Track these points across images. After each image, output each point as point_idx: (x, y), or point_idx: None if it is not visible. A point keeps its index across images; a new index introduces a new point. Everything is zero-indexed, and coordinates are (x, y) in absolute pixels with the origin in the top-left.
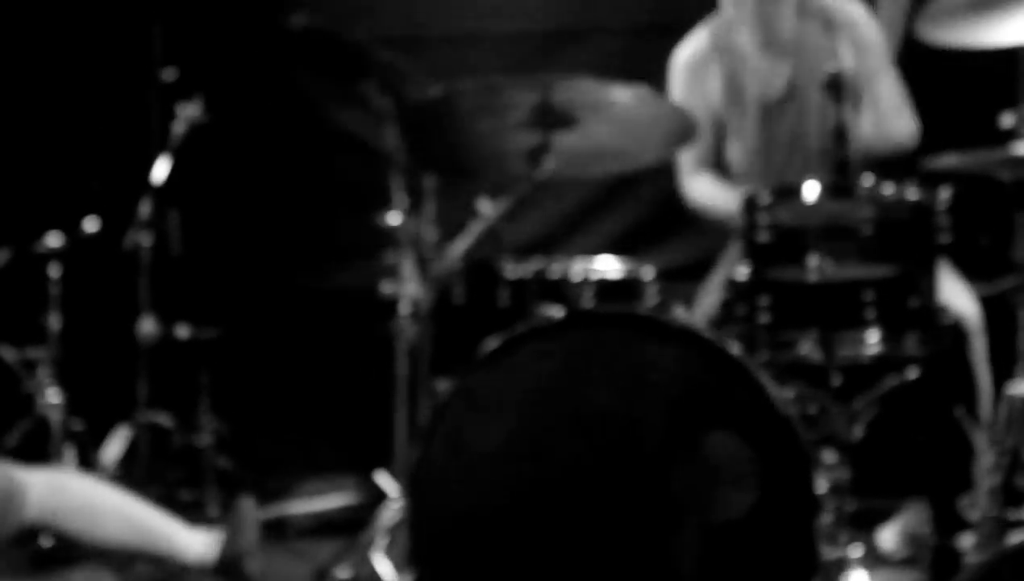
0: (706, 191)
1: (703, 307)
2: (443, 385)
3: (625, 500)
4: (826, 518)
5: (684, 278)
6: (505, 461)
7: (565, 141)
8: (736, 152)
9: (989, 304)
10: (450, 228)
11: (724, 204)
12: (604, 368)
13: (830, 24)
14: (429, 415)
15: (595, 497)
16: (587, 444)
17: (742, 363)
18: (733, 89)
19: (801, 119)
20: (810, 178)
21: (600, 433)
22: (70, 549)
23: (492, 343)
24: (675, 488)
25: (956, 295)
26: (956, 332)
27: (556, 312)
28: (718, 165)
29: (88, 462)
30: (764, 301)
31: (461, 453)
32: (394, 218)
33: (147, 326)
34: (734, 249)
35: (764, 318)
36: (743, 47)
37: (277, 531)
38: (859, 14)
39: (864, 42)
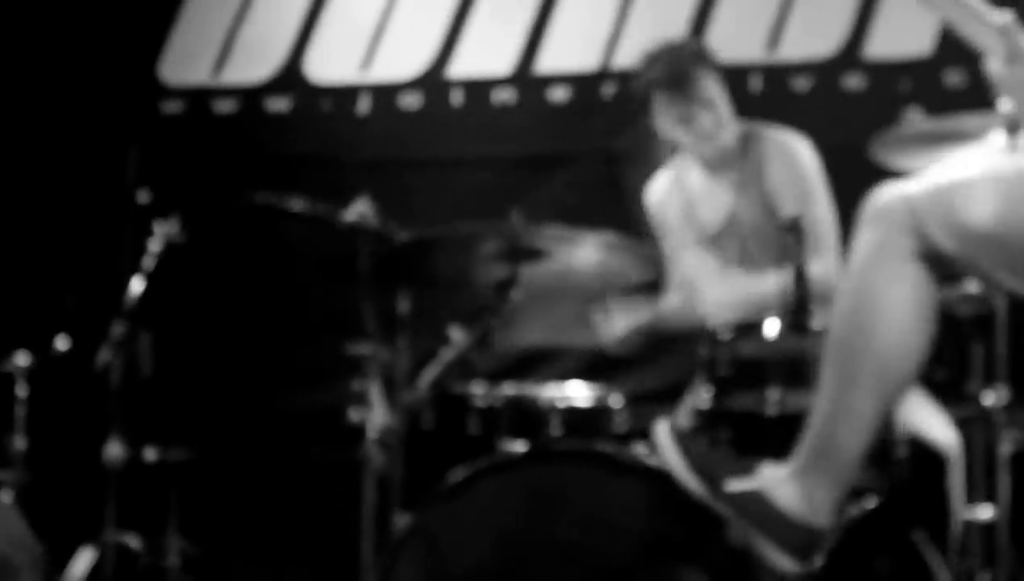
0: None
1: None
2: (402, 520)
3: None
4: None
5: (654, 403)
6: None
7: (533, 271)
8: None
9: None
10: (421, 355)
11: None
12: (565, 502)
13: (766, 152)
14: (387, 552)
15: None
16: (549, 577)
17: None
18: (686, 223)
19: (744, 249)
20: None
21: (561, 566)
22: None
23: (452, 478)
24: None
25: (933, 424)
26: (917, 462)
27: (517, 447)
28: None
29: None
30: (725, 433)
31: None
32: (363, 346)
33: (114, 450)
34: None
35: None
36: (693, 182)
37: None
38: (800, 146)
39: (800, 169)
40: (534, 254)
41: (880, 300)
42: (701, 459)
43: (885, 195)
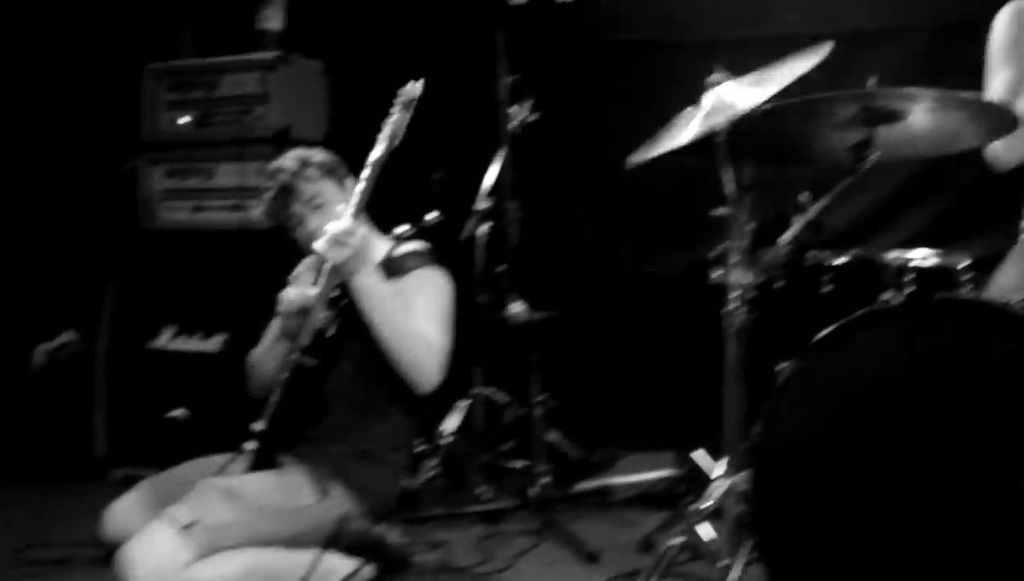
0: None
1: (1001, 285)
2: (783, 367)
3: (960, 479)
4: None
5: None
6: (840, 440)
7: (888, 134)
8: None
9: None
10: (772, 219)
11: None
12: (942, 355)
13: None
14: (771, 396)
15: (931, 476)
16: (922, 427)
17: None
18: None
19: None
20: None
21: (937, 418)
22: None
23: (833, 327)
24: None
25: None
26: None
27: (893, 298)
28: None
29: (430, 431)
30: None
31: (799, 431)
32: (722, 209)
33: (516, 308)
34: None
35: None
36: None
37: (601, 499)
38: None
39: None
40: (890, 116)
41: None
42: None
43: None
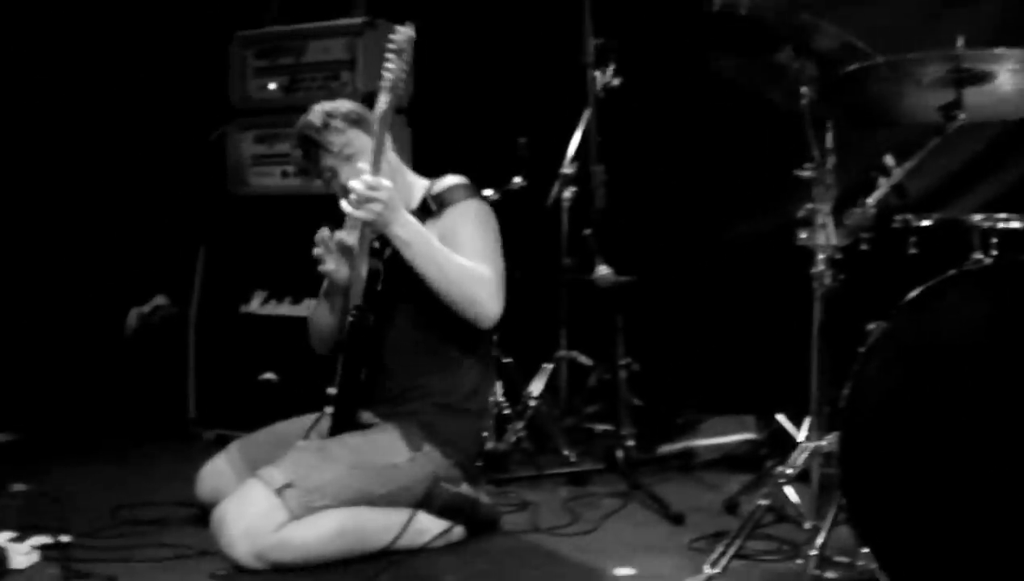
0: None
1: None
2: (873, 327)
3: None
4: None
5: None
6: (929, 401)
7: (976, 94)
8: None
9: None
10: (860, 180)
11: None
12: None
13: None
14: (860, 357)
15: (1022, 436)
16: (1012, 388)
17: None
18: None
19: None
20: None
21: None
22: None
23: (921, 288)
24: None
25: None
26: None
27: (984, 259)
28: None
29: (516, 394)
30: None
31: (887, 392)
32: (808, 171)
33: (601, 272)
34: None
35: None
36: None
37: (684, 462)
38: None
39: None
40: (978, 77)
41: None
42: None
43: None
